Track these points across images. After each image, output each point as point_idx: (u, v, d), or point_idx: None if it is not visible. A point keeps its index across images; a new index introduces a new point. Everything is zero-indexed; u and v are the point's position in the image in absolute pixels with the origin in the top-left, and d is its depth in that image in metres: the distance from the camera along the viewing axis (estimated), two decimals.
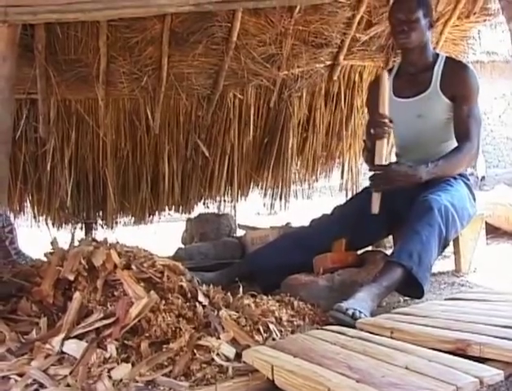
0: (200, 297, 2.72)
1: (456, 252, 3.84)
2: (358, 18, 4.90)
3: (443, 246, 3.27)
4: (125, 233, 4.87)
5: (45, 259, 3.04)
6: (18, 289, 2.96)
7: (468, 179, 3.66)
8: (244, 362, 2.27)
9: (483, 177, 12.42)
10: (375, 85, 3.72)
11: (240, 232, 5.15)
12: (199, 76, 4.81)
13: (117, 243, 3.02)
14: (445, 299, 3.07)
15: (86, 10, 3.95)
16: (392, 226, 3.65)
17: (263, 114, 5.23)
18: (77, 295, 2.64)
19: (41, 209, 5.01)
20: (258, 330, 2.59)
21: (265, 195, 5.63)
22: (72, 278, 2.75)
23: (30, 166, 4.75)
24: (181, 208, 5.36)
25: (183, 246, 4.83)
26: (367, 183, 3.54)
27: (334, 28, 4.92)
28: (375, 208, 3.37)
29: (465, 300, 2.89)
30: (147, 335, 2.46)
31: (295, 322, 2.79)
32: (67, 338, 2.47)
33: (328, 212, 3.82)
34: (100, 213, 5.15)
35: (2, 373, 2.30)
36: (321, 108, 5.41)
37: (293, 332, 2.68)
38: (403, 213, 3.32)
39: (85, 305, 2.63)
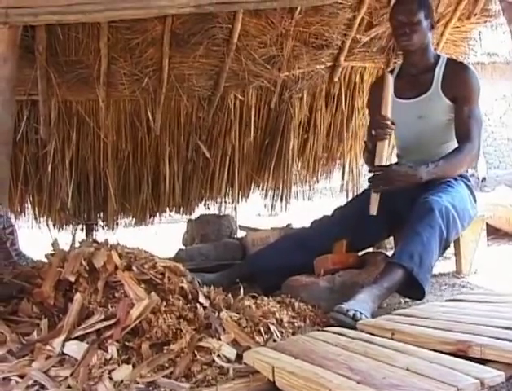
0: (201, 299, 2.72)
1: (457, 254, 3.84)
2: (359, 19, 4.90)
3: (444, 247, 3.27)
4: (125, 234, 4.88)
5: (46, 260, 3.04)
6: (19, 290, 2.96)
7: (469, 180, 3.66)
8: (245, 364, 2.27)
9: (484, 179, 12.40)
10: (377, 87, 3.72)
11: (240, 233, 5.15)
12: (200, 77, 4.81)
13: (118, 244, 3.02)
14: (446, 300, 3.07)
15: (86, 12, 3.95)
16: (393, 228, 3.66)
17: (264, 115, 5.23)
18: (77, 296, 2.64)
19: (41, 210, 5.01)
20: (259, 331, 2.59)
21: (266, 196, 5.63)
22: (72, 279, 2.74)
23: (31, 167, 4.75)
24: (182, 209, 5.36)
25: (183, 247, 4.83)
26: (367, 184, 3.55)
27: (335, 30, 4.92)
28: (373, 209, 3.37)
29: (466, 302, 2.89)
30: (147, 336, 2.46)
31: (296, 324, 2.79)
32: (68, 339, 2.47)
33: (329, 213, 3.81)
34: (101, 215, 5.16)
35: (2, 374, 2.30)
36: (322, 109, 5.41)
37: (293, 334, 2.68)
38: (404, 213, 3.32)
39: (85, 307, 2.63)
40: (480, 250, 3.89)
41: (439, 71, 3.65)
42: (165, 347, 2.40)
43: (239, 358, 2.35)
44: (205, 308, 2.68)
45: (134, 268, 2.77)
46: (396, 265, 3.02)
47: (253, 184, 5.54)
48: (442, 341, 2.18)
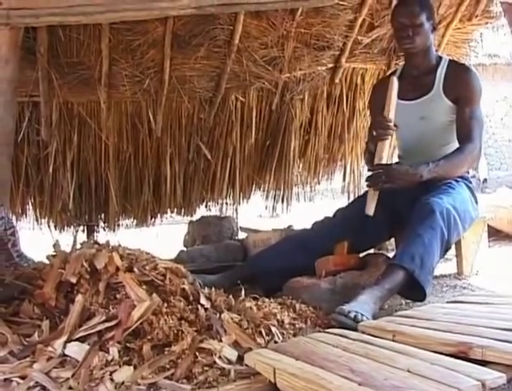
0: (203, 300, 2.72)
1: (459, 255, 3.84)
2: (360, 20, 4.90)
3: (445, 249, 3.27)
4: (127, 235, 4.87)
5: (47, 262, 3.04)
6: (20, 292, 2.96)
7: (470, 182, 3.66)
8: (247, 365, 2.27)
9: (485, 180, 12.43)
10: (380, 88, 3.73)
11: (242, 235, 5.15)
12: (201, 78, 4.81)
13: (119, 245, 3.02)
14: (447, 302, 3.08)
15: (88, 13, 3.95)
16: (394, 229, 3.66)
17: (265, 117, 5.23)
18: (79, 297, 2.64)
19: (43, 212, 5.01)
20: (260, 333, 2.59)
21: (267, 197, 5.63)
22: (74, 280, 2.74)
23: (32, 169, 4.75)
24: (183, 210, 5.36)
25: (185, 249, 4.82)
26: (365, 183, 3.54)
27: (336, 31, 4.92)
28: (370, 209, 3.37)
29: (467, 303, 2.89)
30: (149, 337, 2.46)
31: (297, 325, 2.79)
32: (69, 341, 2.47)
33: (331, 214, 3.81)
34: (102, 216, 5.16)
35: (4, 375, 2.30)
36: (323, 111, 5.41)
37: (295, 335, 2.68)
38: (405, 214, 3.32)
39: (87, 308, 2.63)
40: (481, 252, 3.89)
41: (441, 72, 3.65)
42: (167, 348, 2.40)
43: (240, 359, 2.35)
44: (206, 309, 2.68)
45: (135, 269, 2.77)
46: (397, 267, 3.02)
47: (254, 185, 5.54)
48: (443, 343, 2.18)
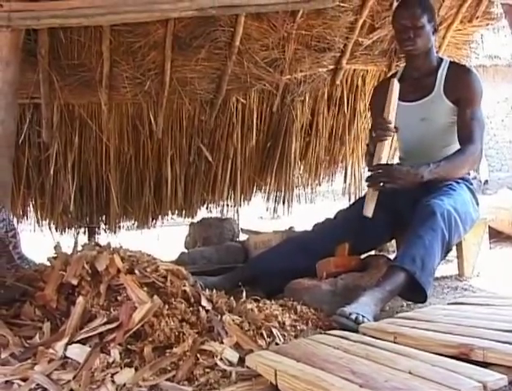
0: (204, 302, 2.72)
1: (460, 257, 3.84)
2: (360, 22, 4.91)
3: (446, 250, 3.27)
4: (128, 237, 4.87)
5: (48, 264, 3.04)
6: (21, 294, 2.96)
7: (471, 183, 3.66)
8: (248, 367, 2.27)
9: (486, 181, 12.43)
10: (381, 90, 3.73)
11: (243, 236, 5.15)
12: (202, 80, 4.81)
13: (120, 247, 3.02)
14: (448, 303, 3.08)
15: (88, 15, 3.96)
16: (395, 230, 3.66)
17: (266, 118, 5.24)
18: (80, 299, 2.64)
19: (44, 214, 5.01)
20: (262, 334, 2.58)
21: (268, 199, 5.63)
22: (75, 282, 2.74)
23: (33, 171, 4.76)
24: (184, 212, 5.37)
25: (186, 250, 4.83)
26: (365, 183, 3.54)
27: (337, 33, 4.92)
28: (368, 210, 3.36)
29: (469, 305, 2.89)
30: (150, 339, 2.45)
31: (298, 327, 2.78)
32: (70, 343, 2.47)
33: (331, 216, 3.81)
34: (103, 218, 5.16)
35: (5, 378, 2.30)
36: (324, 113, 5.42)
37: (296, 337, 2.68)
38: (406, 216, 3.32)
39: (88, 310, 2.63)
40: (482, 253, 3.89)
41: (442, 73, 3.66)
42: (168, 350, 2.40)
43: (241, 361, 2.35)
44: (207, 311, 2.68)
45: (136, 271, 2.77)
46: (398, 269, 3.02)
47: (255, 187, 5.54)
48: (444, 344, 2.18)
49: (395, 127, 3.47)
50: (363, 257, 3.60)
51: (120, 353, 2.39)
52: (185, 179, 5.17)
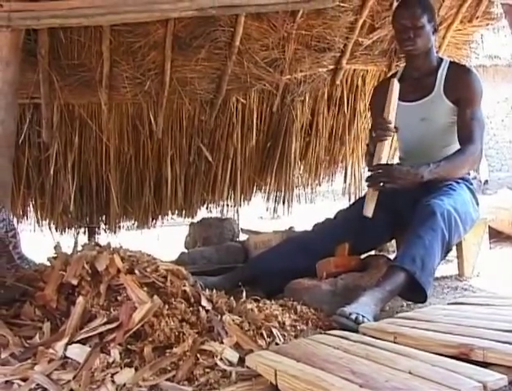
0: (204, 302, 2.72)
1: (460, 257, 3.84)
2: (360, 22, 4.91)
3: (446, 250, 3.27)
4: (128, 237, 4.87)
5: (48, 264, 3.04)
6: (21, 294, 2.96)
7: (471, 183, 3.66)
8: (248, 367, 2.27)
9: (486, 181, 12.43)
10: (381, 89, 3.73)
11: (243, 236, 5.15)
12: (202, 80, 4.81)
13: (120, 247, 3.02)
14: (448, 303, 3.08)
15: (88, 15, 3.96)
16: (395, 230, 3.66)
17: (266, 118, 5.24)
18: (80, 299, 2.64)
19: (44, 214, 5.01)
20: (262, 334, 2.58)
21: (268, 199, 5.63)
22: (75, 282, 2.74)
23: (33, 171, 4.76)
24: (184, 212, 5.37)
25: (186, 250, 4.83)
26: (366, 183, 3.54)
27: (337, 33, 4.92)
28: (368, 210, 3.36)
29: (469, 305, 2.89)
30: (150, 339, 2.45)
31: (298, 327, 2.78)
32: (70, 343, 2.47)
33: (331, 216, 3.81)
34: (103, 218, 5.16)
35: (5, 378, 2.30)
36: (324, 113, 5.42)
37: (296, 337, 2.68)
38: (406, 216, 3.32)
39: (88, 310, 2.63)
40: (482, 253, 3.89)
41: (442, 73, 3.66)
42: (168, 350, 2.40)
43: (241, 361, 2.35)
44: (207, 311, 2.68)
45: (136, 271, 2.77)
46: (398, 269, 3.02)
47: (255, 187, 5.54)
48: (444, 344, 2.18)
49: (395, 127, 3.47)
50: (363, 257, 3.60)
51: (120, 353, 2.39)
52: (185, 179, 5.17)
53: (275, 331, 2.63)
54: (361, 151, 5.55)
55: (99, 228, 5.20)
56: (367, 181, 3.45)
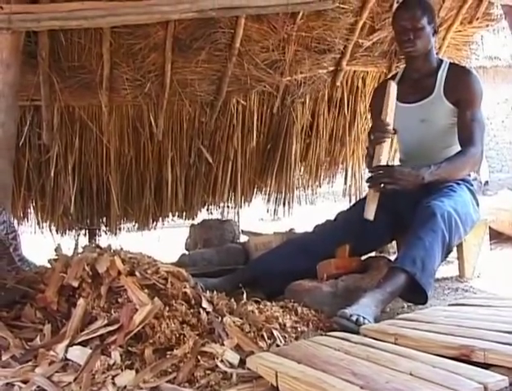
0: (204, 304, 2.72)
1: (460, 258, 3.83)
2: (361, 24, 4.91)
3: (447, 252, 3.27)
4: (128, 239, 4.88)
5: (49, 266, 3.05)
6: (22, 296, 2.96)
7: (471, 184, 3.66)
8: (249, 369, 2.27)
9: (487, 182, 12.42)
10: (380, 91, 3.73)
11: (243, 238, 5.14)
12: (202, 82, 4.81)
13: (121, 249, 3.02)
14: (449, 305, 3.07)
15: (89, 17, 3.97)
16: (395, 232, 3.66)
17: (266, 120, 5.24)
18: (81, 301, 2.64)
19: (44, 216, 5.01)
20: (262, 336, 2.58)
21: (268, 200, 5.63)
22: (76, 284, 2.74)
23: (34, 173, 4.76)
24: (184, 214, 5.37)
25: (186, 252, 4.83)
26: (366, 185, 3.54)
27: (337, 34, 4.93)
28: (369, 213, 3.35)
29: (469, 306, 2.89)
30: (151, 341, 2.45)
31: (299, 329, 2.78)
32: (71, 345, 2.47)
33: (332, 217, 3.81)
34: (104, 220, 5.16)
35: (6, 380, 2.30)
36: (324, 114, 5.42)
37: (297, 338, 2.68)
38: (407, 217, 3.32)
39: (89, 312, 2.63)
40: (483, 254, 3.88)
41: (442, 75, 3.66)
42: (169, 352, 2.40)
43: (242, 363, 2.35)
44: (208, 313, 2.68)
45: (137, 273, 2.77)
46: (399, 270, 3.01)
47: (255, 189, 5.54)
48: (445, 346, 2.18)
49: (393, 129, 3.47)
50: (363, 258, 3.60)
51: (120, 355, 2.39)
52: (185, 181, 5.17)
53: (275, 332, 2.63)
54: (361, 153, 5.55)
55: (99, 230, 5.20)
56: (367, 182, 3.45)
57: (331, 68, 5.16)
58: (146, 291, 2.68)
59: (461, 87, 3.60)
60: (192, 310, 2.66)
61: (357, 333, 2.57)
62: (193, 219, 5.40)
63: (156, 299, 2.60)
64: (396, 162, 4.29)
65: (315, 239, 3.64)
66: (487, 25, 5.38)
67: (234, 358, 2.38)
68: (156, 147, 5.00)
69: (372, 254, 3.89)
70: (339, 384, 1.89)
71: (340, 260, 3.39)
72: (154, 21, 4.24)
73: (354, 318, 2.70)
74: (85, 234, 5.16)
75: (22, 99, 4.32)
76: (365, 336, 2.51)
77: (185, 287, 2.76)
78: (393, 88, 3.51)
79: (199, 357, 2.36)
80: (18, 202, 4.76)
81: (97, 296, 2.70)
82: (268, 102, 5.16)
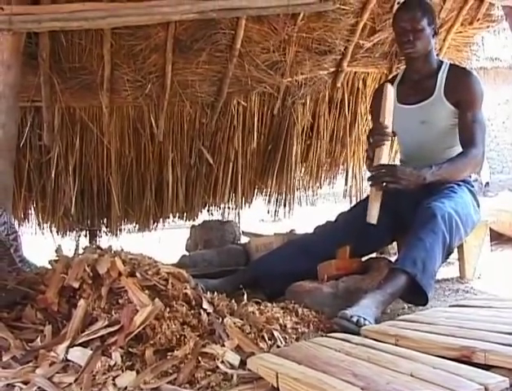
0: (205, 305, 2.72)
1: (461, 259, 3.83)
2: (361, 25, 4.91)
3: (448, 253, 3.26)
4: (129, 240, 4.88)
5: (49, 267, 3.05)
6: (23, 297, 2.96)
7: (472, 186, 3.65)
8: (249, 370, 2.27)
9: (487, 184, 12.41)
10: (379, 94, 3.72)
11: (244, 239, 5.15)
12: (203, 83, 4.82)
13: (122, 250, 3.03)
14: (450, 306, 3.07)
15: (89, 19, 3.97)
16: (396, 233, 3.66)
17: (267, 121, 5.24)
18: (81, 302, 2.65)
19: (45, 217, 5.02)
20: (263, 337, 2.58)
21: (269, 201, 5.63)
22: (76, 285, 2.75)
23: (35, 174, 4.76)
24: (185, 215, 5.37)
25: (187, 253, 4.83)
26: (368, 184, 3.53)
27: (338, 35, 4.93)
28: (372, 216, 3.32)
29: (470, 307, 2.89)
30: (151, 342, 2.45)
31: (300, 330, 2.78)
32: (72, 346, 2.47)
33: (333, 218, 3.81)
34: (105, 221, 5.16)
35: (6, 381, 2.30)
36: (325, 115, 5.43)
37: (297, 339, 2.67)
38: (407, 218, 3.31)
39: (89, 313, 2.63)
40: (484, 255, 3.88)
41: (442, 76, 3.65)
42: (169, 353, 2.40)
43: (243, 364, 2.35)
44: (208, 314, 2.68)
45: (137, 274, 2.77)
46: (399, 271, 3.01)
47: (256, 190, 5.55)
48: (445, 347, 2.18)
49: (392, 131, 3.47)
50: (364, 259, 3.60)
51: (121, 356, 2.39)
52: (186, 182, 5.17)
53: (276, 333, 2.62)
54: (362, 154, 5.55)
55: (100, 231, 5.20)
56: (369, 180, 3.44)
57: (332, 69, 5.16)
58: (146, 292, 2.68)
59: (462, 88, 3.60)
60: (192, 311, 2.66)
61: (358, 334, 2.57)
62: (194, 220, 5.40)
63: (156, 300, 2.60)
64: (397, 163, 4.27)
65: (316, 240, 3.64)
66: (488, 26, 5.38)
67: (234, 358, 2.38)
68: (157, 148, 5.00)
69: (373, 255, 3.89)
70: (340, 385, 1.89)
71: (340, 261, 3.39)
72: (155, 22, 4.25)
73: (354, 319, 2.70)
74: (85, 235, 5.17)
75: (23, 100, 4.33)
76: (366, 337, 2.50)
77: (186, 288, 2.76)
78: (389, 90, 3.50)
79: (199, 358, 2.36)
80: (19, 203, 4.77)
81: (98, 297, 2.70)
82: (269, 103, 5.16)
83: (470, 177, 3.70)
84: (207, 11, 4.10)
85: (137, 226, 5.29)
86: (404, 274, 2.99)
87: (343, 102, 5.41)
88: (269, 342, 2.57)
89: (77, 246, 4.89)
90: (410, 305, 3.22)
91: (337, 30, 4.90)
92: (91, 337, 2.51)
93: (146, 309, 2.53)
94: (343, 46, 5.03)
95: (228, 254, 4.56)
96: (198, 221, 5.33)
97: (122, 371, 2.31)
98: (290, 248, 3.66)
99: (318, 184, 5.76)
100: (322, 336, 2.68)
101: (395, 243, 4.12)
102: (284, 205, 5.62)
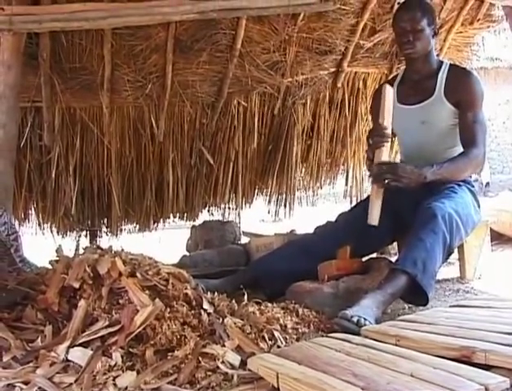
0: (205, 305, 2.72)
1: (461, 259, 3.83)
2: (362, 25, 4.91)
3: (448, 253, 3.26)
4: (129, 240, 4.88)
5: (50, 267, 3.05)
6: (23, 297, 2.96)
7: (472, 186, 3.66)
8: (250, 370, 2.27)
9: (488, 184, 12.40)
10: (379, 95, 3.72)
11: (244, 239, 5.15)
12: (203, 83, 4.81)
13: (122, 250, 3.03)
14: (450, 306, 3.07)
15: (90, 19, 3.97)
16: (397, 233, 3.65)
17: (267, 121, 5.24)
18: (82, 303, 2.65)
19: (45, 217, 5.01)
20: (263, 337, 2.58)
21: (269, 202, 5.62)
22: (77, 285, 2.75)
23: (35, 174, 4.76)
24: (185, 215, 5.36)
25: (187, 253, 4.83)
26: (369, 180, 3.53)
27: (338, 35, 4.93)
28: (373, 218, 3.31)
29: (470, 307, 2.89)
30: (152, 342, 2.46)
31: (300, 330, 2.78)
32: (72, 346, 2.47)
33: (333, 219, 3.81)
34: (105, 221, 5.16)
35: (7, 381, 2.30)
36: (325, 115, 5.42)
37: (298, 340, 2.68)
38: (408, 218, 3.31)
39: (90, 313, 2.63)
40: (484, 255, 3.88)
41: (442, 76, 3.65)
42: (170, 353, 2.40)
43: (243, 364, 2.35)
44: (209, 314, 2.68)
45: (138, 274, 2.77)
46: (400, 272, 3.01)
47: (256, 190, 5.54)
48: (446, 347, 2.18)
49: (392, 132, 3.46)
50: (364, 259, 3.60)
51: (122, 357, 2.39)
52: (186, 182, 5.17)
53: (276, 333, 2.63)
54: (362, 154, 5.54)
55: (100, 231, 5.19)
56: (370, 177, 3.43)
57: (332, 70, 5.16)
58: (147, 292, 2.68)
59: (462, 88, 3.59)
60: (193, 311, 2.67)
61: (358, 334, 2.57)
62: (194, 220, 5.40)
63: (157, 300, 2.61)
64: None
65: (316, 240, 3.64)
66: (489, 26, 5.38)
67: (235, 359, 2.38)
68: (157, 149, 5.00)
69: (374, 255, 3.89)
70: (340, 385, 1.89)
71: (341, 261, 3.39)
72: (155, 22, 4.25)
73: (355, 319, 2.71)
74: (86, 235, 5.16)
75: (23, 101, 4.33)
76: (366, 337, 2.50)
77: (186, 289, 2.76)
78: (389, 91, 3.50)
79: (200, 358, 2.36)
80: (19, 203, 4.77)
81: (98, 298, 2.71)
82: (269, 103, 5.16)
83: (471, 177, 3.70)
84: (207, 12, 4.11)
85: (137, 226, 5.28)
86: (405, 275, 2.99)
87: (344, 102, 5.41)
88: (269, 342, 2.57)
89: (78, 246, 4.88)
90: (410, 305, 3.22)
91: (338, 30, 4.90)
92: (92, 337, 2.51)
93: (146, 310, 2.54)
94: (343, 46, 5.03)
95: (229, 254, 4.57)
96: (198, 222, 5.33)
97: (123, 372, 2.31)
98: (291, 249, 3.67)
99: (318, 184, 5.76)
100: (322, 336, 2.68)
101: (395, 244, 4.12)
102: (285, 205, 5.62)
